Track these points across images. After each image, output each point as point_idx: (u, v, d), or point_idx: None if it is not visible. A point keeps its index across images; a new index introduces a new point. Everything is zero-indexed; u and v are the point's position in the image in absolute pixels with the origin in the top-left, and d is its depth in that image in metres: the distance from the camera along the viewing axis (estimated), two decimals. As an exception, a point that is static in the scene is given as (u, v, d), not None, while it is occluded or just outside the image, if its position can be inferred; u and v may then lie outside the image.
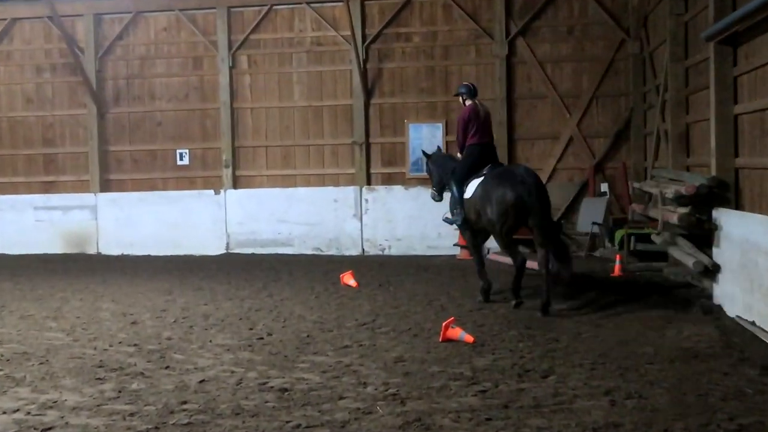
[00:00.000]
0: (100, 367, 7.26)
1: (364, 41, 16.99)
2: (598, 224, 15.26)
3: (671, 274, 11.20)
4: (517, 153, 16.66)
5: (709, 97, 10.65)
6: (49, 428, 5.52)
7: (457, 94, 11.27)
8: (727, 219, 9.28)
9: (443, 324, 8.16)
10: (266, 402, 6.04)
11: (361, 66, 16.83)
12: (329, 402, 6.01)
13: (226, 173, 17.52)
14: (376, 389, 6.34)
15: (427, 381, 6.54)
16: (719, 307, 9.32)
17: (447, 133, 16.58)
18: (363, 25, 16.99)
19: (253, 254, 16.60)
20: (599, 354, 7.37)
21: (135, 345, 8.20)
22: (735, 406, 5.68)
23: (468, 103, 10.94)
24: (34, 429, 5.51)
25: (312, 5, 17.26)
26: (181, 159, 17.85)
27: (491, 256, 14.31)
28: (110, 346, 8.19)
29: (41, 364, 7.43)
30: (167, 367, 7.21)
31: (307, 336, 8.51)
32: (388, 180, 16.98)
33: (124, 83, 18.05)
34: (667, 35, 12.94)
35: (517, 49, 16.65)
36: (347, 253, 16.42)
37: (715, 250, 9.61)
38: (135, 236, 17.19)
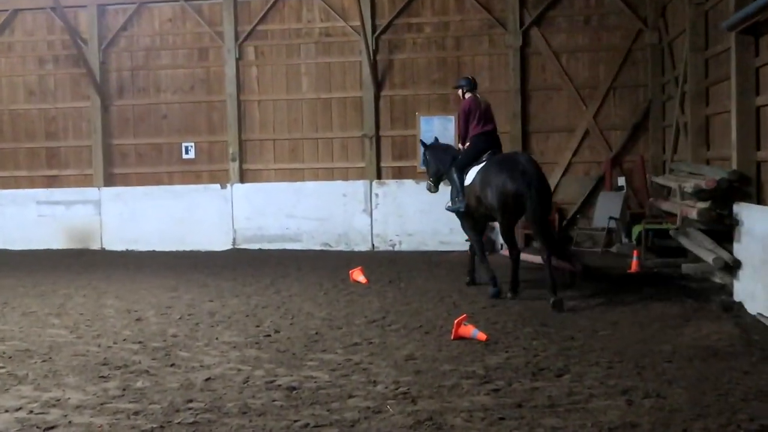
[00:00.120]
0: (104, 364, 7.29)
1: (374, 32, 16.98)
2: (615, 219, 15.23)
3: (690, 271, 11.16)
4: (532, 146, 16.63)
5: (729, 88, 10.60)
6: (52, 427, 5.54)
7: (457, 87, 11.64)
8: (748, 214, 9.24)
9: (455, 321, 8.15)
10: (274, 401, 6.04)
11: (371, 57, 16.82)
12: (338, 401, 6.01)
13: (233, 167, 17.55)
14: (386, 388, 6.34)
15: (438, 379, 6.54)
16: (740, 304, 9.28)
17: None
18: (373, 15, 16.98)
19: (260, 250, 16.63)
20: (616, 352, 7.35)
21: (140, 342, 8.22)
22: (756, 406, 5.65)
23: (468, 95, 11.26)
24: (37, 428, 5.53)
25: (320, -5, 17.29)
26: (187, 152, 17.90)
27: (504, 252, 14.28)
28: (114, 343, 8.22)
29: (44, 361, 7.46)
30: (172, 365, 7.23)
31: (316, 333, 8.52)
32: (399, 174, 16.98)
33: (129, 75, 18.10)
34: (686, 24, 12.88)
35: (532, 39, 16.61)
36: (357, 249, 16.43)
37: (735, 245, 9.57)
38: (139, 231, 17.23)
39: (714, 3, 11.91)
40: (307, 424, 5.46)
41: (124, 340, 8.37)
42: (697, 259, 11.08)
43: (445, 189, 12.01)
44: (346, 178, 17.11)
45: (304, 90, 17.46)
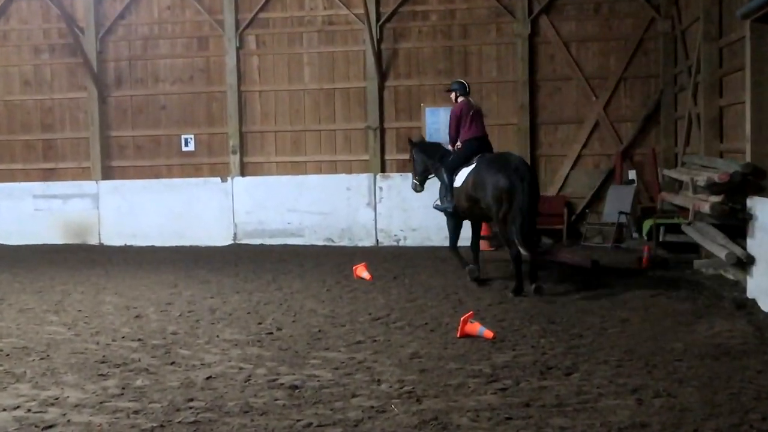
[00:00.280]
0: (103, 362, 7.33)
1: (378, 20, 17.00)
2: (626, 213, 15.24)
3: (702, 267, 11.18)
4: (540, 138, 16.66)
5: (744, 78, 10.60)
6: (51, 426, 5.58)
7: (450, 90, 12.05)
8: (762, 208, 9.24)
9: (461, 319, 8.18)
10: (276, 400, 6.08)
11: (375, 46, 16.83)
12: (342, 400, 6.05)
13: (234, 160, 17.59)
14: (390, 387, 6.37)
15: (444, 378, 6.57)
16: (753, 302, 9.29)
17: (466, 117, 16.57)
18: (377, 2, 17.00)
19: (261, 245, 16.66)
20: (625, 350, 7.38)
21: (139, 340, 8.27)
22: (769, 406, 5.69)
23: (460, 99, 11.74)
24: (35, 426, 5.57)
25: (323, -18, 17.30)
26: (186, 145, 17.95)
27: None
28: (113, 340, 8.27)
29: (42, 359, 7.51)
30: (173, 363, 7.28)
31: (319, 331, 8.56)
32: (404, 167, 16.96)
33: (126, 65, 18.14)
34: (700, 13, 12.88)
35: (541, 27, 16.61)
36: (360, 244, 16.46)
37: (749, 241, 9.58)
38: (138, 226, 17.26)
39: (728, -9, 11.92)
40: (310, 424, 5.50)
41: (123, 337, 8.41)
42: (710, 255, 11.09)
43: (432, 187, 12.29)
44: (349, 172, 17.15)
45: (307, 80, 17.49)
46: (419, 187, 12.56)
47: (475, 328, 8.06)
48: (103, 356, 7.57)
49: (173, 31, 17.98)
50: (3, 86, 18.60)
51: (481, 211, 11.05)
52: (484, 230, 14.08)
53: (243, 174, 17.51)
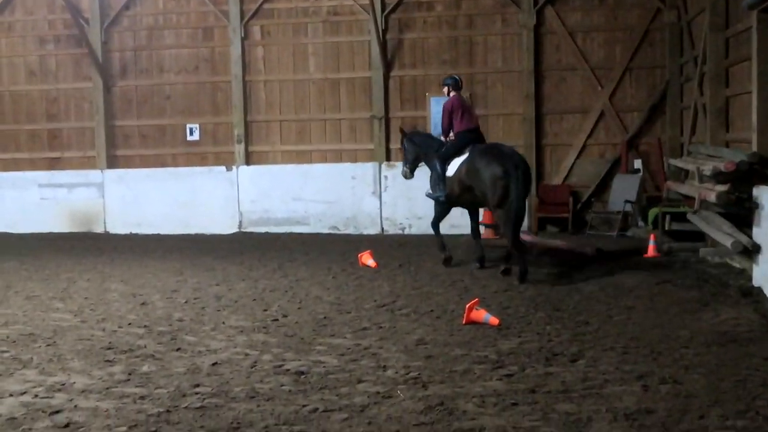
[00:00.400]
0: (109, 349, 7.34)
1: (383, 10, 16.94)
2: (631, 202, 15.22)
3: (708, 255, 11.16)
4: (546, 127, 16.62)
5: (750, 68, 10.55)
6: (58, 411, 5.58)
7: (444, 85, 12.28)
8: (768, 197, 9.23)
9: (467, 306, 8.18)
10: (282, 385, 6.08)
11: (380, 36, 16.78)
12: (347, 386, 6.05)
13: (239, 149, 17.57)
14: (396, 373, 6.37)
15: (449, 364, 6.57)
16: (759, 290, 9.27)
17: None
18: (382, -8, 16.94)
19: (266, 233, 16.68)
20: (631, 337, 7.37)
21: (145, 326, 8.28)
22: (775, 393, 5.67)
23: (453, 94, 12.01)
24: (42, 412, 5.58)
25: (328, -29, 17.24)
26: (191, 134, 17.93)
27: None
28: (119, 327, 8.28)
29: (48, 345, 7.52)
30: (179, 350, 7.28)
31: (324, 318, 8.56)
32: (409, 156, 16.95)
33: (131, 55, 18.11)
34: (706, 3, 12.82)
35: (546, 18, 16.55)
36: (365, 232, 16.47)
37: (755, 229, 9.56)
38: (143, 214, 17.30)
39: (734, -20, 11.86)
40: (315, 409, 5.50)
41: (129, 324, 8.42)
42: (715, 243, 11.07)
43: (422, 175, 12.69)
44: (354, 161, 17.12)
45: (312, 70, 17.44)
46: (409, 175, 12.92)
47: (481, 314, 8.06)
48: (109, 343, 7.57)
49: (178, 22, 17.93)
50: (8, 76, 18.58)
51: (474, 198, 11.39)
52: (489, 219, 14.14)
53: (248, 163, 17.50)
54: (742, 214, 9.99)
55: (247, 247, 14.67)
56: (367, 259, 12.18)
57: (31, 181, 17.86)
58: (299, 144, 17.53)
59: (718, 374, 6.11)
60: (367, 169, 16.70)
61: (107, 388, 6.09)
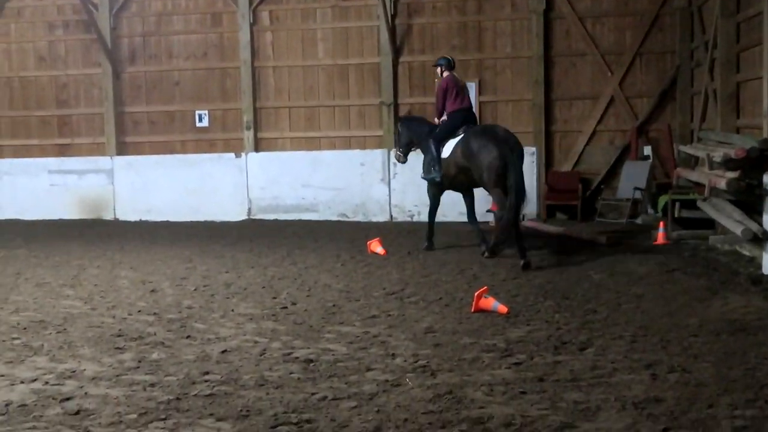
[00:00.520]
0: (119, 336, 7.39)
1: (392, -5, 16.89)
2: (641, 189, 15.16)
3: (718, 243, 11.13)
4: (555, 114, 16.56)
5: (762, 54, 10.49)
6: (68, 398, 5.63)
7: (437, 65, 12.50)
8: (779, 184, 9.19)
9: (475, 294, 8.19)
10: (291, 373, 6.11)
11: (390, 22, 16.72)
12: (356, 374, 6.07)
13: (248, 135, 17.58)
14: (405, 361, 6.39)
15: (458, 353, 6.59)
16: (769, 278, 9.27)
17: (480, 92, 16.52)
18: (392, -23, 16.87)
19: (275, 220, 16.71)
20: (640, 326, 7.37)
21: (155, 314, 8.32)
22: (784, 381, 5.67)
23: (446, 74, 12.19)
24: (53, 399, 5.62)
25: (337, -43, 17.17)
26: (200, 120, 17.93)
27: (528, 223, 14.35)
28: (129, 314, 8.32)
29: (59, 332, 7.56)
30: (188, 337, 7.32)
31: (333, 305, 8.58)
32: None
33: (140, 41, 18.11)
34: (717, -12, 12.74)
35: (556, 3, 16.45)
36: (374, 220, 16.47)
37: (765, 217, 9.53)
38: (153, 201, 17.34)
39: (746, -35, 11.78)
40: (324, 397, 5.53)
41: (139, 311, 8.47)
42: (725, 231, 11.04)
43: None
44: (363, 147, 17.11)
45: (321, 56, 17.41)
46: (403, 158, 13.22)
47: (490, 303, 8.07)
48: (119, 330, 7.62)
49: (187, 7, 17.90)
50: (18, 62, 18.60)
51: (469, 179, 11.62)
52: (491, 207, 14.13)
53: (257, 149, 17.50)
54: (752, 202, 9.96)
55: (256, 234, 14.70)
56: (376, 247, 12.19)
57: (41, 167, 17.91)
58: (308, 131, 17.51)
59: (727, 363, 6.11)
60: (376, 155, 16.68)
61: (117, 376, 6.13)
